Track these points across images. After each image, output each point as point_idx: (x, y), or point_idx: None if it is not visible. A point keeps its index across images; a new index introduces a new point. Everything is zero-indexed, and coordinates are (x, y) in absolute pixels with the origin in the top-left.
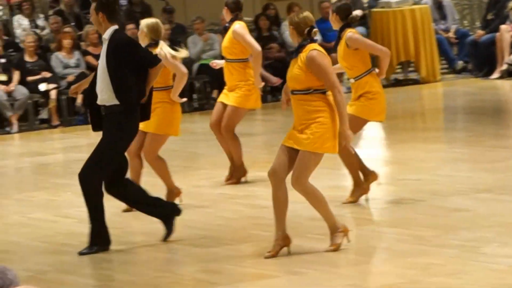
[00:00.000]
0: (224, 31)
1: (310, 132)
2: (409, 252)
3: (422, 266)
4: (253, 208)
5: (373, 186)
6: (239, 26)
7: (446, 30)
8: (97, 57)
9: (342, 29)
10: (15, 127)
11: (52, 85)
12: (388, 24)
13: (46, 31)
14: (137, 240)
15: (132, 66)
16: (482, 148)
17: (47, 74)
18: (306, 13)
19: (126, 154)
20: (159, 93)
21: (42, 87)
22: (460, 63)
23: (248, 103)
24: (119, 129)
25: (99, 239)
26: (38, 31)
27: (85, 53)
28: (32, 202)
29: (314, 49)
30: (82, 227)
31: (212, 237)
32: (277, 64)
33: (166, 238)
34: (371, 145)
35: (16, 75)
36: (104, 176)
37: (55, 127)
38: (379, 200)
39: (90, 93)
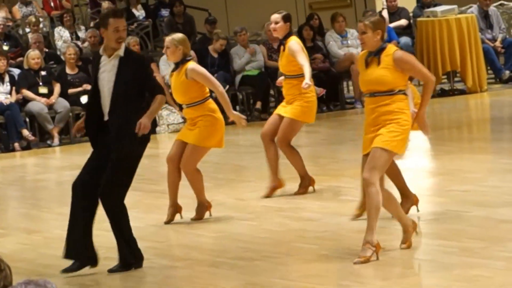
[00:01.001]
0: (280, 47)
1: (388, 131)
2: (456, 264)
3: (469, 278)
4: (298, 220)
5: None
6: (294, 42)
7: (493, 39)
8: None
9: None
10: (56, 140)
11: None
12: (433, 34)
13: (87, 43)
14: (179, 253)
15: (143, 85)
16: None
17: (88, 87)
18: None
19: (167, 164)
20: (199, 106)
21: (84, 99)
22: (507, 73)
23: (304, 116)
24: (131, 143)
25: (133, 257)
26: (79, 43)
27: None
28: None
29: (397, 50)
30: None
31: (257, 250)
32: (321, 75)
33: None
34: (418, 156)
35: (57, 88)
36: (126, 192)
37: None
38: (426, 212)
39: (93, 111)
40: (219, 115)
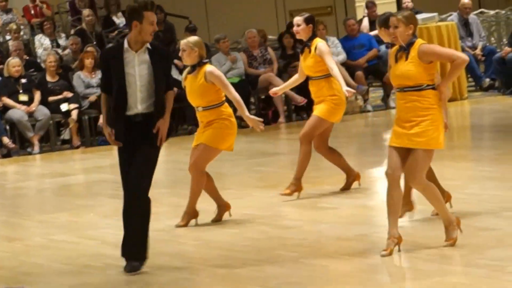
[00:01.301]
0: (305, 49)
1: (422, 130)
2: (436, 271)
3: (449, 286)
4: (279, 228)
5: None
6: (323, 44)
7: (473, 47)
8: None
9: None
10: (36, 148)
11: (73, 105)
12: None
13: (68, 50)
14: (160, 261)
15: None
16: (510, 166)
17: (68, 94)
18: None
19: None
20: (215, 110)
21: (64, 107)
22: (487, 81)
23: (332, 116)
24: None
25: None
26: (59, 50)
27: None
28: (54, 223)
29: (423, 43)
30: (105, 249)
31: (237, 258)
32: (301, 83)
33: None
34: None
35: (37, 95)
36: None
37: (77, 147)
38: (406, 219)
39: (122, 107)
40: (234, 119)
